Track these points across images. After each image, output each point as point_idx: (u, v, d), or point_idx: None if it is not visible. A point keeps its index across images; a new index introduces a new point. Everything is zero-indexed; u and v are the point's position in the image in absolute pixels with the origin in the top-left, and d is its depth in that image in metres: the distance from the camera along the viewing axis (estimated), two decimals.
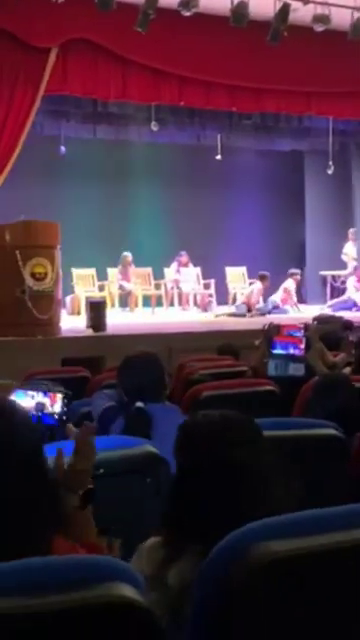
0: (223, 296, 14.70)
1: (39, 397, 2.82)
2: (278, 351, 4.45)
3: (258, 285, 13.94)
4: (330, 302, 14.69)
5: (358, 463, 2.88)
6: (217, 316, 13.28)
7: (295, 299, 14.28)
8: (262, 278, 13.96)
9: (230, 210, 15.71)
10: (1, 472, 1.52)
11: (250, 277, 14.75)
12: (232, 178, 15.61)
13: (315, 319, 10.46)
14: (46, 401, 2.81)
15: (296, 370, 4.28)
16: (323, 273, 15.28)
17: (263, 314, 13.19)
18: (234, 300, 14.67)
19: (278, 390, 4.11)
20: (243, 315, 13.15)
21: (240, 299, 14.07)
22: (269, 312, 13.49)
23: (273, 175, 16.05)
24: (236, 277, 14.98)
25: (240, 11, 9.53)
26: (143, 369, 3.32)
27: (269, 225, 16.02)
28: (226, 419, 1.72)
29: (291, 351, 4.46)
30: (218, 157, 14.15)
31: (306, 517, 1.51)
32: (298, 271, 14.69)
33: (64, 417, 2.79)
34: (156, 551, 1.68)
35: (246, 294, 13.99)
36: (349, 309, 13.90)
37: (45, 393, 2.84)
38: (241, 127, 13.42)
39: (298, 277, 14.57)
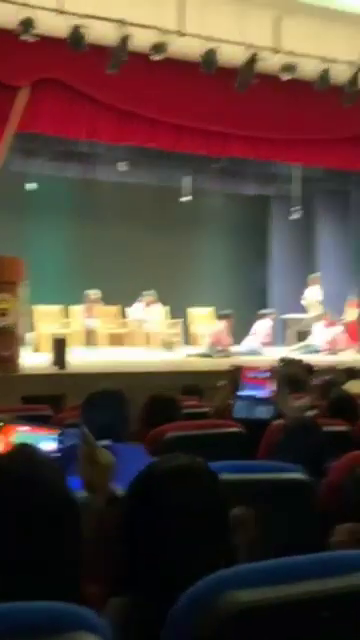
0: (189, 336, 14.70)
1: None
2: (245, 392, 4.41)
3: (222, 325, 13.97)
4: (295, 346, 14.77)
5: (325, 508, 2.83)
6: (189, 356, 13.26)
7: (267, 340, 14.32)
8: (225, 317, 14.00)
9: (197, 251, 15.80)
10: (33, 524, 1.52)
11: (215, 318, 14.77)
12: (199, 220, 15.73)
13: (280, 361, 10.46)
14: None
15: (263, 412, 4.24)
16: (285, 317, 15.37)
17: (230, 356, 13.20)
18: (199, 341, 14.67)
19: (244, 431, 4.06)
20: (212, 355, 13.13)
21: (208, 340, 14.03)
22: (246, 354, 13.52)
23: (239, 218, 16.20)
24: (202, 318, 15.00)
25: (210, 58, 9.66)
26: (108, 407, 3.26)
27: (234, 267, 16.13)
28: (182, 466, 1.67)
29: (258, 393, 4.42)
30: (186, 199, 14.25)
31: (275, 565, 1.46)
32: (271, 311, 14.76)
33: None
34: (119, 608, 1.62)
35: (213, 334, 13.98)
36: (313, 353, 13.99)
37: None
38: (209, 170, 13.56)
39: (273, 317, 14.65)
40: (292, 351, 14.07)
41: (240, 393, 4.42)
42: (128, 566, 1.62)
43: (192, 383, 6.75)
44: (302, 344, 14.82)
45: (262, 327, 14.30)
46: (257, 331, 14.26)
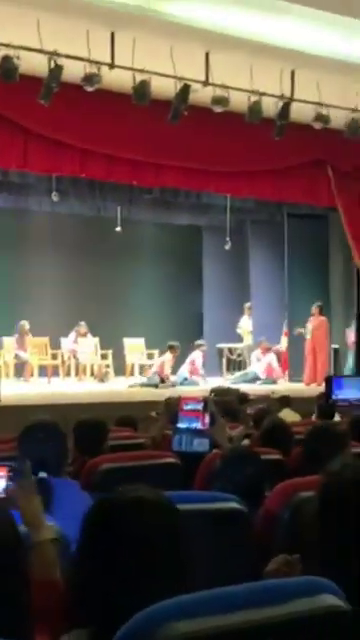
0: (121, 367, 14.66)
1: None
2: (182, 425, 4.42)
3: (168, 356, 13.99)
4: (233, 375, 14.90)
5: (261, 537, 2.85)
6: (131, 386, 13.26)
7: (202, 371, 14.39)
8: (171, 348, 14.04)
9: (129, 281, 15.82)
10: None
11: (148, 348, 14.78)
12: (132, 250, 15.77)
13: (212, 391, 10.52)
14: None
15: (201, 445, 4.26)
16: (220, 346, 15.49)
17: (174, 385, 13.23)
18: (132, 371, 14.65)
19: (179, 463, 4.07)
20: (156, 386, 13.13)
21: (154, 369, 14.01)
22: (180, 384, 13.56)
23: (172, 248, 16.31)
24: (134, 348, 14.99)
25: (142, 89, 9.75)
26: (43, 440, 3.23)
27: (168, 298, 16.20)
28: (141, 498, 1.67)
29: (194, 425, 4.43)
30: (118, 229, 14.28)
31: (214, 595, 1.47)
32: (204, 342, 14.84)
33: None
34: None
35: (157, 365, 13.99)
36: (252, 382, 14.14)
37: None
38: (141, 201, 13.62)
39: (204, 348, 14.73)
40: (228, 380, 14.20)
41: (178, 425, 4.43)
42: (81, 599, 1.61)
43: (127, 414, 6.72)
44: (240, 373, 14.96)
45: (194, 358, 14.39)
46: (190, 361, 14.34)
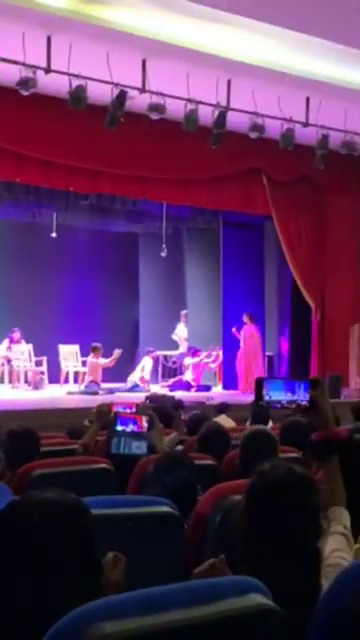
0: (55, 374, 14.55)
1: None
2: (120, 428, 4.42)
3: (90, 358, 13.95)
4: (168, 381, 14.95)
5: (192, 541, 2.87)
6: (69, 393, 13.18)
7: (149, 377, 14.42)
8: (94, 350, 13.98)
9: (65, 288, 15.71)
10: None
11: (83, 355, 14.71)
12: (67, 256, 15.67)
13: (147, 398, 10.55)
14: None
15: (138, 448, 4.26)
16: (156, 353, 15.51)
17: (112, 392, 13.20)
18: (66, 378, 14.56)
19: (111, 468, 4.06)
20: (96, 393, 13.06)
21: (88, 377, 13.93)
22: (129, 390, 13.54)
23: (108, 255, 16.27)
24: (69, 354, 14.89)
25: (78, 94, 9.72)
26: None
27: (103, 304, 16.15)
28: (50, 499, 1.64)
29: (131, 427, 4.44)
30: (53, 235, 14.20)
31: (141, 596, 1.47)
32: (154, 349, 14.86)
33: None
34: None
35: (88, 372, 13.93)
36: (186, 389, 14.20)
37: None
38: (77, 207, 13.57)
39: (155, 354, 14.76)
40: (164, 387, 14.24)
41: (116, 428, 4.43)
42: None
43: (65, 421, 6.68)
44: (175, 379, 15.03)
45: (144, 364, 14.42)
46: (141, 368, 14.36)
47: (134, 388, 13.79)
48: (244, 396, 12.10)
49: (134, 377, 14.22)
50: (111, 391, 13.34)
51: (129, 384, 14.00)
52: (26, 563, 1.56)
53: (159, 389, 14.16)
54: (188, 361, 15.07)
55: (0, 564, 1.57)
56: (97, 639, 1.34)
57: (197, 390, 14.23)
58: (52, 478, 3.70)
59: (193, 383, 14.62)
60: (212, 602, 1.49)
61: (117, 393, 13.13)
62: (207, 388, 14.47)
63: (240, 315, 14.45)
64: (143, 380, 14.19)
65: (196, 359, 14.91)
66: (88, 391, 13.23)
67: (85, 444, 4.79)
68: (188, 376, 14.83)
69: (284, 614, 1.55)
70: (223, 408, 8.62)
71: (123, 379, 14.15)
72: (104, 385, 13.71)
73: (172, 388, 14.23)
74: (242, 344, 14.34)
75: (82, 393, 13.17)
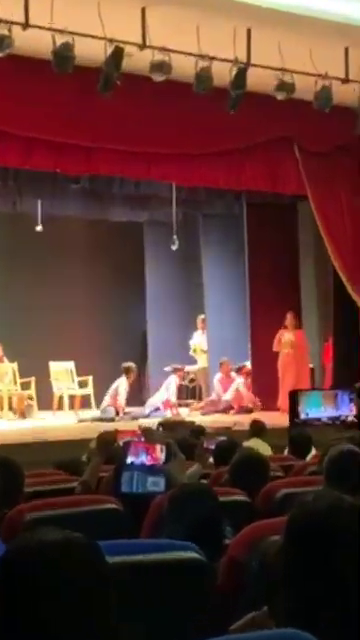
0: (46, 397, 14.57)
1: None
2: (132, 460, 4.43)
3: (122, 381, 14.00)
4: (199, 404, 14.99)
5: (225, 591, 2.89)
6: (81, 421, 13.25)
7: (175, 400, 14.51)
8: (127, 371, 14.06)
9: (55, 293, 15.73)
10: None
11: (79, 374, 14.73)
12: (56, 254, 15.72)
13: (160, 424, 10.57)
14: None
15: (155, 485, 4.27)
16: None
17: (136, 418, 13.24)
18: (60, 404, 14.57)
19: (121, 507, 4.09)
20: (112, 419, 13.13)
21: (106, 401, 14.00)
22: (147, 416, 13.58)
23: (106, 250, 16.31)
24: (62, 374, 14.88)
25: (64, 54, 9.75)
26: None
27: (102, 311, 16.18)
28: (58, 542, 1.67)
29: (142, 459, 4.45)
30: (38, 228, 14.25)
31: None
32: (182, 366, 14.92)
33: None
34: None
35: (110, 394, 14.00)
36: (223, 412, 14.21)
37: None
38: (67, 193, 13.61)
39: (182, 373, 14.83)
40: (193, 411, 14.30)
41: (128, 461, 4.44)
42: None
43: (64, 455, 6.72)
44: (204, 402, 15.05)
45: (170, 384, 14.51)
46: (166, 389, 14.45)
47: (153, 413, 13.81)
48: (286, 418, 11.98)
49: (156, 400, 14.27)
50: (135, 417, 13.40)
51: (148, 408, 14.04)
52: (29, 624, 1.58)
53: (189, 414, 14.14)
54: (217, 377, 14.96)
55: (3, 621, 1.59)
56: None
57: (237, 413, 14.16)
58: (48, 522, 3.73)
59: (227, 404, 14.60)
60: None
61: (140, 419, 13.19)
62: (249, 410, 14.33)
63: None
64: (168, 404, 14.21)
65: (240, 378, 14.78)
66: (105, 417, 13.30)
67: (85, 482, 4.80)
68: (226, 396, 14.76)
69: None
70: (260, 430, 8.55)
71: (134, 402, 14.23)
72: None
73: (206, 412, 14.28)
74: (285, 352, 14.20)
75: (95, 420, 13.20)
